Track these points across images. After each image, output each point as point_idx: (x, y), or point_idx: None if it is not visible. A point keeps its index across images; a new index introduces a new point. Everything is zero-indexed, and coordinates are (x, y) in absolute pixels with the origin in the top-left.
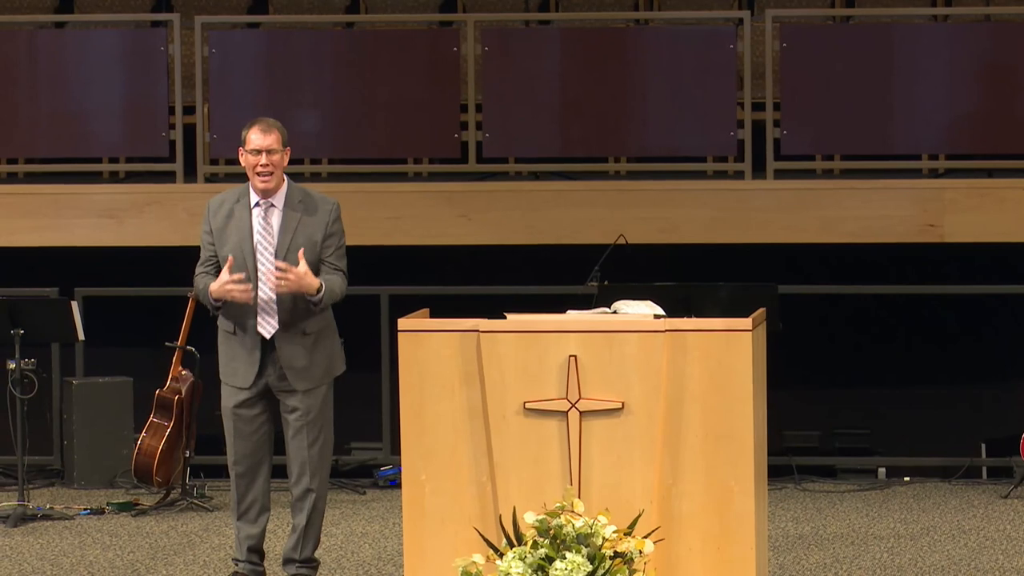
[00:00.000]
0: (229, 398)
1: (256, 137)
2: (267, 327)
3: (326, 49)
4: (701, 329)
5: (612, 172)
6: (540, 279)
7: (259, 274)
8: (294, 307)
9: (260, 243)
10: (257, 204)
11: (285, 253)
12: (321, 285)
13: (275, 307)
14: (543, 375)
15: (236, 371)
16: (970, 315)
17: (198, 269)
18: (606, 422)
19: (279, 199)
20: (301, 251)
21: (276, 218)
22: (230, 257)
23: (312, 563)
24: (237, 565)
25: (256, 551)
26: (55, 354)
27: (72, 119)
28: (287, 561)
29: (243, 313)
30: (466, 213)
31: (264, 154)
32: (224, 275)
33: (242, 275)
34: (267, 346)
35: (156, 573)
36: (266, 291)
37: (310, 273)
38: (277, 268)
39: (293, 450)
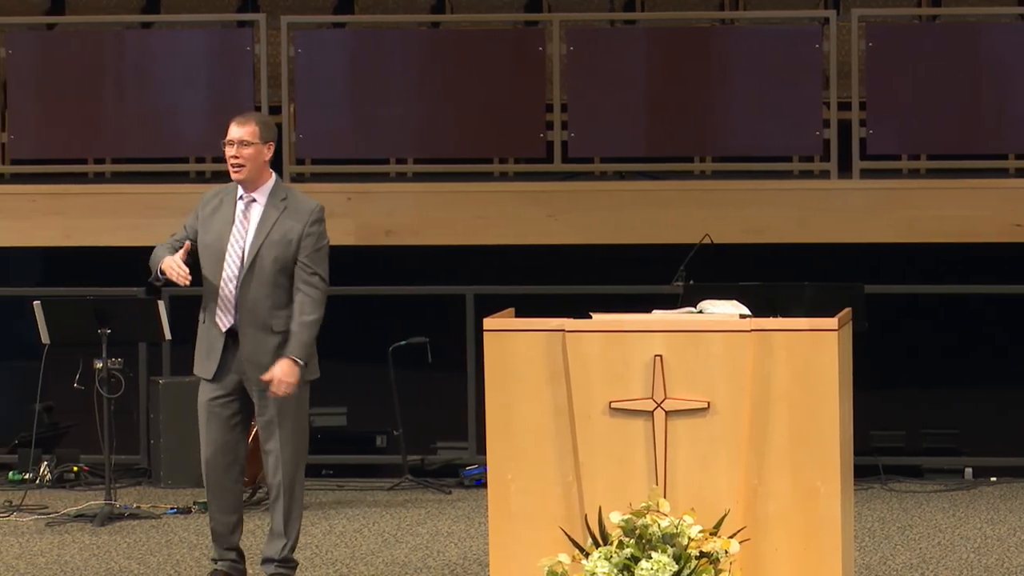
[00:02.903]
0: (203, 393)
1: (231, 128)
2: (224, 320)
3: (412, 49)
4: (787, 329)
5: (697, 172)
6: (625, 279)
7: (224, 266)
8: (255, 304)
9: (234, 235)
10: (241, 198)
11: (258, 248)
12: (295, 360)
13: (233, 302)
14: (628, 375)
15: (202, 363)
16: None
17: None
18: (692, 422)
19: (262, 194)
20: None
21: (255, 213)
22: (188, 242)
23: (290, 563)
24: (216, 564)
25: (232, 549)
26: (142, 354)
27: (159, 119)
28: (266, 560)
29: (211, 305)
30: (551, 213)
31: (235, 145)
32: (179, 255)
33: (183, 259)
34: (230, 340)
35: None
36: (228, 285)
37: (282, 365)
38: (263, 381)
39: (267, 449)
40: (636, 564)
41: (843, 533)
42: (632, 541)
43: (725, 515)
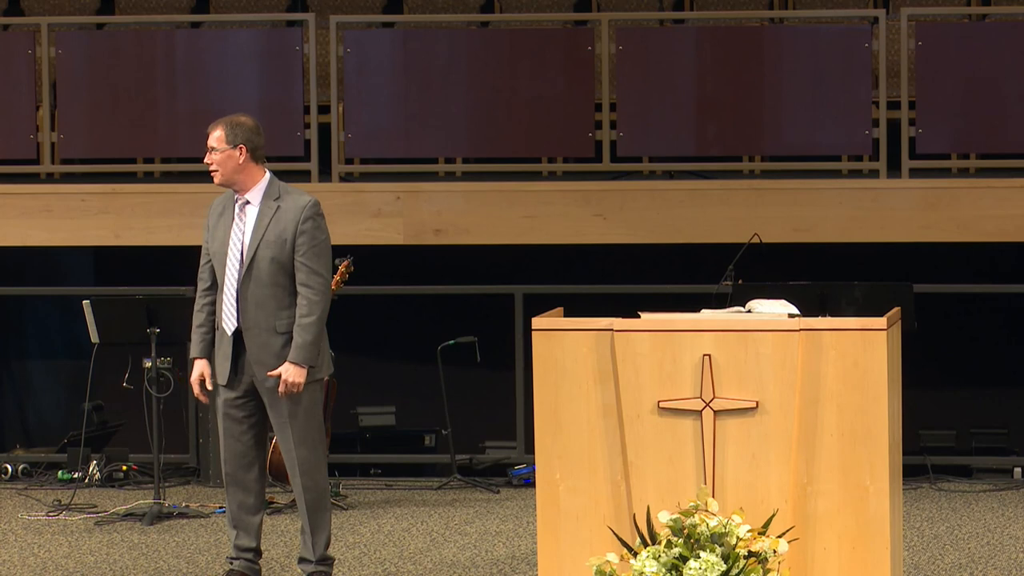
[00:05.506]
0: (219, 396)
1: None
2: (229, 323)
3: (461, 48)
4: (836, 328)
5: (746, 171)
6: (674, 278)
7: (226, 270)
8: (258, 306)
9: (233, 238)
10: (236, 201)
11: (255, 250)
12: (301, 364)
13: (236, 304)
14: (677, 374)
15: (218, 367)
16: None
17: (199, 274)
18: (740, 421)
19: (255, 196)
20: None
21: (250, 215)
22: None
23: (327, 561)
24: (232, 563)
25: (250, 549)
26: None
27: (208, 118)
28: (302, 560)
29: (220, 310)
30: (601, 212)
31: (209, 152)
32: (196, 382)
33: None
34: (240, 343)
35: (290, 571)
36: (230, 288)
37: (287, 368)
38: (269, 378)
39: (283, 450)
40: (684, 564)
41: (892, 532)
42: (680, 540)
43: (774, 514)
